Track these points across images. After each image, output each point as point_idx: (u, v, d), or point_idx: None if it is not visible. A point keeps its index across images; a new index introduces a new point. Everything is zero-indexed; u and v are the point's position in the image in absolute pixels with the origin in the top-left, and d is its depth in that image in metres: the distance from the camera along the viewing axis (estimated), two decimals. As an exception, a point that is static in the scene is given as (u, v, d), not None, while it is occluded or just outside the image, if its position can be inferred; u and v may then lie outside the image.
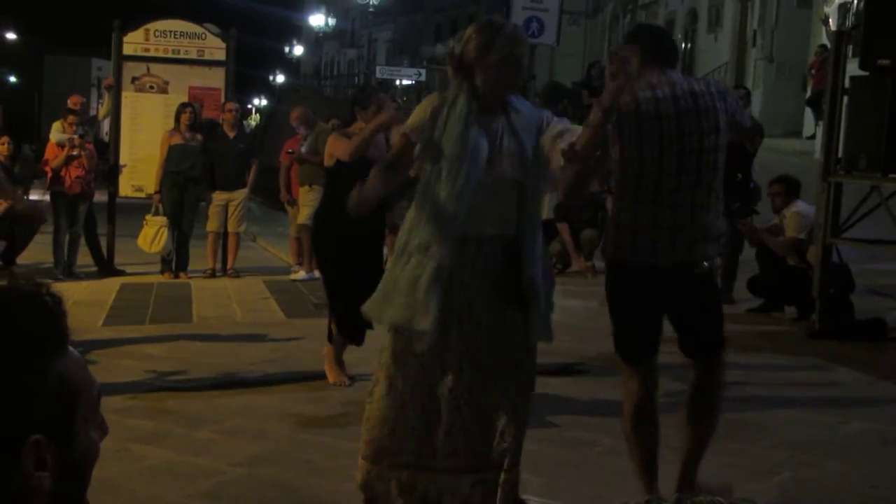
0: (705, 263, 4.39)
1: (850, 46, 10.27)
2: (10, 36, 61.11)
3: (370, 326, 6.41)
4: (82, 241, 12.42)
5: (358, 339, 6.86)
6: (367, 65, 52.89)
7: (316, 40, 71.24)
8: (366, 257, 6.67)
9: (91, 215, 12.49)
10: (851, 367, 7.73)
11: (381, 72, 38.93)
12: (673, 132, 4.28)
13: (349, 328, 6.77)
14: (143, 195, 12.93)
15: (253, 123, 55.90)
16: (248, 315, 10.12)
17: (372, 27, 52.84)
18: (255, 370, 7.46)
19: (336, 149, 6.76)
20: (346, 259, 6.66)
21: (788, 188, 9.81)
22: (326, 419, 6.28)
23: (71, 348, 1.50)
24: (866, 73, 8.78)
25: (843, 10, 23.94)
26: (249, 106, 77.69)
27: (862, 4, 10.34)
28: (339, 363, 7.08)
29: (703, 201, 4.36)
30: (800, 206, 9.73)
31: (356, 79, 49.72)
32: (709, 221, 4.37)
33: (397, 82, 37.92)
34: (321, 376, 7.06)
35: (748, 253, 10.31)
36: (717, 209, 4.43)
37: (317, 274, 12.26)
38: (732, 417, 6.30)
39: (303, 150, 12.23)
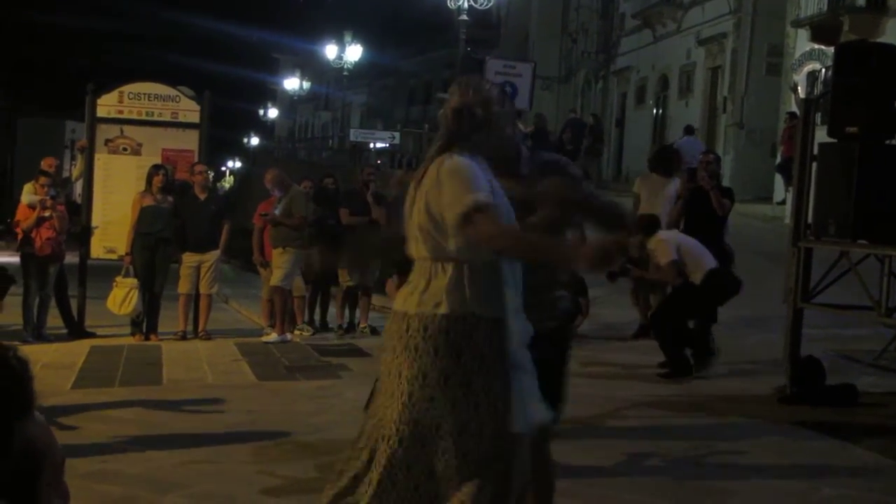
0: None
1: (819, 114, 10.42)
2: (-17, 99, 60.97)
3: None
4: (52, 303, 12.35)
5: None
6: (341, 127, 53.15)
7: (290, 103, 71.60)
8: None
9: (62, 277, 12.43)
10: (823, 433, 7.73)
11: (354, 135, 39.16)
12: None
13: None
14: (114, 257, 12.90)
15: (226, 186, 55.93)
16: (219, 378, 10.05)
17: (346, 91, 53.17)
18: (225, 434, 7.40)
19: None
20: None
21: (646, 227, 9.90)
22: (299, 483, 6.22)
23: (37, 413, 1.48)
24: (834, 140, 8.89)
25: (812, 78, 24.30)
26: (223, 168, 77.86)
27: (830, 73, 10.50)
28: None
29: None
30: (660, 234, 9.95)
31: (330, 141, 49.89)
32: None
33: (371, 145, 38.10)
34: (293, 439, 7.00)
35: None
36: None
37: (289, 336, 12.28)
38: (701, 483, 6.30)
39: (276, 212, 12.25)
